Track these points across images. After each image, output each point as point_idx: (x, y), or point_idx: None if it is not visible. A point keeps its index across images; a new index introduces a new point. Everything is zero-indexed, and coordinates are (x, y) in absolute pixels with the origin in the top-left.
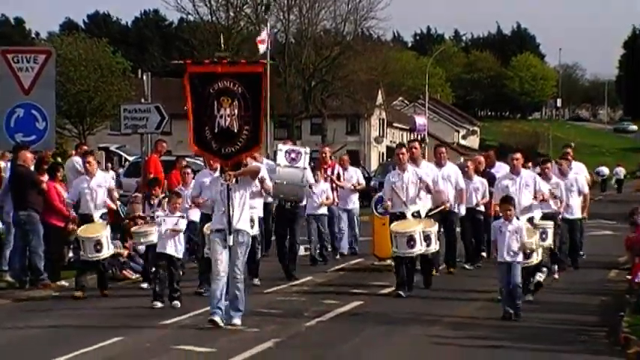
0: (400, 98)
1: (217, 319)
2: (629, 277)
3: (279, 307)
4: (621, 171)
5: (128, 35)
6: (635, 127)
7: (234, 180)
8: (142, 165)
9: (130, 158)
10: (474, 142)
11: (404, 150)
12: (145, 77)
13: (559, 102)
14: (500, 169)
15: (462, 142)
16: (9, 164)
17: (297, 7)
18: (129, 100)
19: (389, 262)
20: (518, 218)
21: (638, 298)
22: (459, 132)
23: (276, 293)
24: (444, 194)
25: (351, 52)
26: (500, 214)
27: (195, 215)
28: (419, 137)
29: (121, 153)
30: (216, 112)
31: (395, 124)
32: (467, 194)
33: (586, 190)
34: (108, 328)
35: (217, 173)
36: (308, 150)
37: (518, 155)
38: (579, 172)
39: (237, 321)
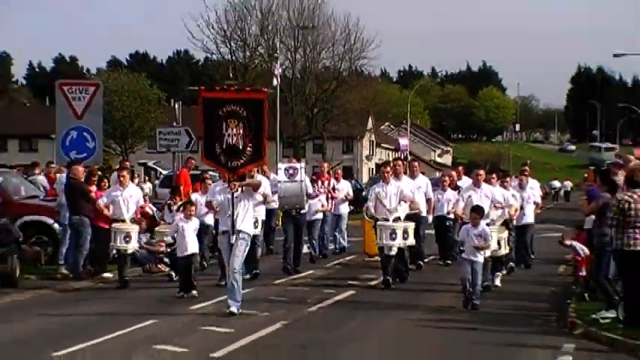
0: (387, 123)
1: (233, 309)
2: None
3: (287, 295)
4: (569, 184)
5: (163, 71)
6: (573, 147)
7: (239, 189)
8: (173, 177)
9: (164, 172)
10: (447, 159)
11: (388, 168)
12: (176, 105)
13: (517, 127)
14: (466, 182)
15: (438, 159)
16: (64, 177)
17: (302, 48)
18: (163, 124)
19: (377, 258)
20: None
21: (582, 288)
22: (435, 151)
23: (283, 284)
24: (418, 203)
25: (347, 86)
26: (468, 220)
27: (210, 219)
28: (402, 155)
29: (157, 167)
30: (224, 132)
31: (382, 145)
32: (439, 204)
33: (539, 200)
34: (143, 314)
35: (225, 183)
36: (303, 164)
37: (481, 171)
38: (533, 187)
39: (233, 309)
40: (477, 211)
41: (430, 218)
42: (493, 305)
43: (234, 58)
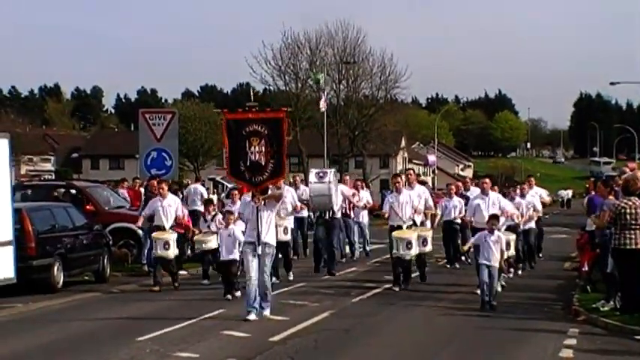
0: (417, 142)
1: (251, 316)
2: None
3: (333, 289)
4: (569, 193)
5: (228, 100)
6: (563, 159)
7: (262, 202)
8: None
9: (230, 185)
10: (469, 173)
11: (399, 179)
12: None
13: (528, 145)
14: (474, 191)
15: (461, 173)
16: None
17: (345, 80)
18: None
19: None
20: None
21: (585, 281)
22: (458, 166)
23: (330, 279)
24: (432, 207)
25: (383, 111)
26: (475, 224)
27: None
28: (430, 170)
29: (224, 182)
30: (247, 150)
31: (414, 161)
32: (446, 210)
33: (538, 207)
34: (212, 305)
35: (250, 197)
36: (333, 170)
37: (487, 180)
38: (534, 195)
39: (267, 312)
40: (494, 218)
41: (429, 224)
42: (506, 296)
43: (287, 89)
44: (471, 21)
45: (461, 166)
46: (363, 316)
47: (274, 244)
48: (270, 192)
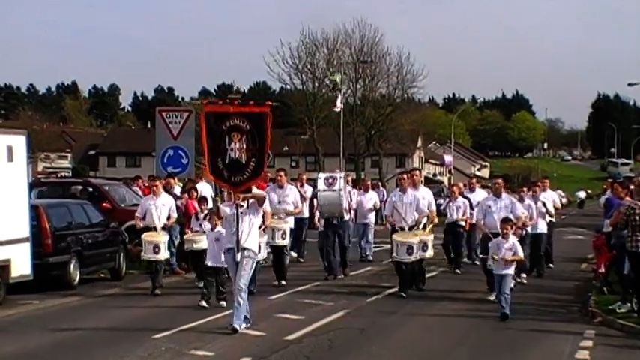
0: (434, 142)
1: (240, 326)
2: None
3: (348, 288)
4: (583, 194)
5: (245, 99)
6: (570, 158)
7: (243, 202)
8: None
9: None
10: (485, 173)
11: (405, 177)
12: None
13: (545, 145)
14: (479, 193)
15: (477, 173)
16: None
17: (362, 79)
18: None
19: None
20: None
21: (601, 283)
22: (475, 166)
23: (345, 279)
24: (434, 212)
25: (400, 111)
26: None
27: None
28: (447, 170)
29: None
30: (227, 146)
31: (430, 161)
32: (449, 211)
33: (550, 209)
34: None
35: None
36: (342, 174)
37: (500, 181)
38: (547, 198)
39: (236, 326)
40: (507, 223)
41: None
42: (523, 297)
43: (304, 87)
44: (488, 20)
45: (477, 166)
46: (378, 315)
47: (255, 250)
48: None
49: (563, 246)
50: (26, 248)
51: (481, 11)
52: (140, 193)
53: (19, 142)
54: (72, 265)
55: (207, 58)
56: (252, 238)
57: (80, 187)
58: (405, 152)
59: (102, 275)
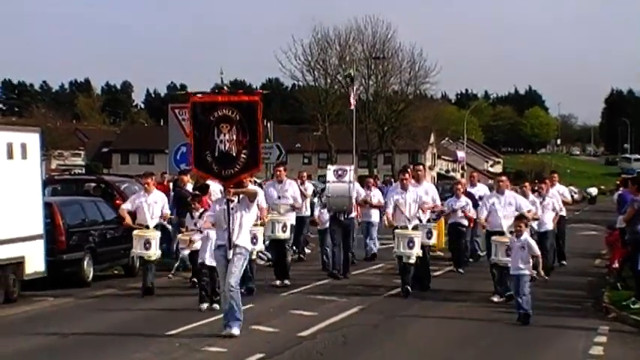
0: (446, 138)
1: (234, 330)
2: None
3: (362, 284)
4: (595, 190)
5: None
6: (578, 151)
7: (234, 197)
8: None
9: (258, 181)
10: (498, 169)
11: (406, 174)
12: (269, 125)
13: (559, 141)
14: (480, 188)
15: (490, 169)
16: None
17: (374, 76)
18: None
19: (439, 253)
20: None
21: (615, 278)
22: (487, 162)
23: (359, 275)
24: (439, 205)
25: (412, 107)
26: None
27: None
28: (459, 166)
29: (254, 178)
30: (216, 138)
31: (443, 157)
32: (453, 210)
33: (557, 207)
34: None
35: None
36: (353, 167)
37: (504, 177)
38: (556, 194)
39: (235, 331)
40: (521, 220)
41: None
42: (537, 292)
43: (317, 84)
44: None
45: (490, 162)
46: (392, 311)
47: (248, 247)
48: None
49: (576, 242)
50: (40, 245)
51: (493, 7)
52: None
53: (32, 139)
54: (85, 262)
55: (219, 54)
56: (244, 234)
57: (93, 184)
58: (417, 148)
59: (116, 272)
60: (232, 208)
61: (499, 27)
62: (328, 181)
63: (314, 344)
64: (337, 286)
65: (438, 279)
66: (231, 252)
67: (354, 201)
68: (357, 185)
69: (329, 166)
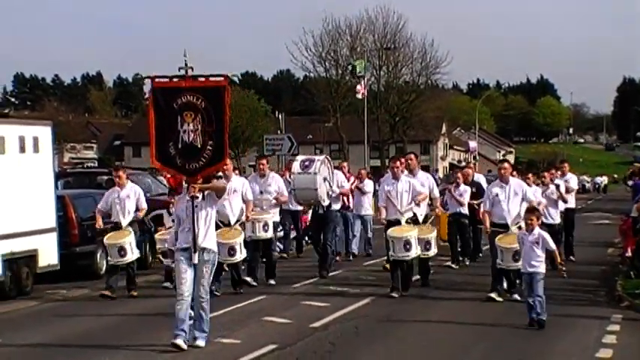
0: (458, 128)
1: (180, 341)
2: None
3: (373, 275)
4: (605, 179)
5: (269, 87)
6: (582, 140)
7: (198, 193)
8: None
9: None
10: (510, 159)
11: (398, 163)
12: (280, 116)
13: (571, 130)
14: (478, 177)
15: (502, 159)
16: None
17: (385, 66)
18: (269, 132)
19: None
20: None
21: (628, 267)
22: (499, 152)
23: (370, 266)
24: (437, 198)
25: (424, 97)
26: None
27: None
28: (471, 156)
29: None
30: (179, 127)
31: (454, 147)
32: (453, 200)
33: (564, 194)
34: (254, 292)
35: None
36: (322, 157)
37: (507, 165)
38: (561, 184)
39: (200, 342)
40: (533, 213)
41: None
42: (549, 282)
43: (328, 75)
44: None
45: (502, 152)
46: (404, 302)
47: (215, 250)
48: (212, 183)
49: (589, 231)
50: (53, 238)
51: None
52: (165, 182)
53: (44, 132)
54: (98, 255)
55: (230, 46)
56: (211, 235)
57: (106, 177)
58: (429, 139)
59: None
60: (196, 206)
61: (510, 16)
62: (293, 173)
63: (326, 335)
64: (349, 276)
65: (450, 271)
66: (196, 256)
67: (321, 193)
68: (339, 175)
69: (297, 157)
